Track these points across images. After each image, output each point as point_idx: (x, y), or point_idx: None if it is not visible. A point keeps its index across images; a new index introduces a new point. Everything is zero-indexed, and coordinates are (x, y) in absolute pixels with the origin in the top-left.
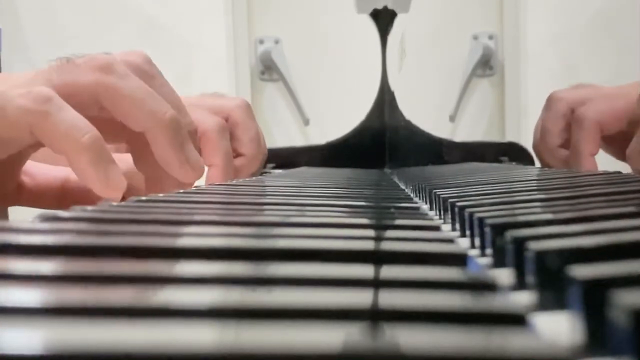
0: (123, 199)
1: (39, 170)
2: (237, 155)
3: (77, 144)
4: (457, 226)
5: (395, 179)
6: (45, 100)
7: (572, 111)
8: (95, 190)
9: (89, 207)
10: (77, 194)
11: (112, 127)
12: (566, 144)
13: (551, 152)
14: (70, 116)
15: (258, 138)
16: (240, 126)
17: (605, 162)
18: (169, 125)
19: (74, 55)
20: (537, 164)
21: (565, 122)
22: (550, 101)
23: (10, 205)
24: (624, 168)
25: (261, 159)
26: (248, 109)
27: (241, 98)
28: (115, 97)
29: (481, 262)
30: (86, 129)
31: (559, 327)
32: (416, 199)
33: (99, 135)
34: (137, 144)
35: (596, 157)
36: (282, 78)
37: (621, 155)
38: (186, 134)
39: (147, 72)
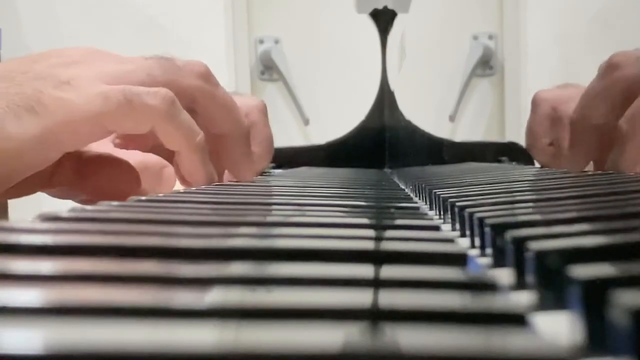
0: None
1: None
2: None
3: (193, 144)
4: (457, 226)
5: (395, 179)
6: (171, 102)
7: (555, 110)
8: (194, 182)
9: (89, 207)
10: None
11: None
12: (555, 141)
13: (541, 151)
14: (188, 119)
15: (270, 139)
16: (257, 126)
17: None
18: (245, 133)
19: (166, 54)
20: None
21: (549, 121)
22: (534, 103)
23: (44, 187)
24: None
25: (269, 159)
26: (265, 110)
27: (260, 99)
28: (211, 104)
29: (481, 262)
30: (198, 131)
31: (559, 327)
32: (416, 199)
33: (204, 137)
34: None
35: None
36: (282, 78)
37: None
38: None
39: (214, 82)
